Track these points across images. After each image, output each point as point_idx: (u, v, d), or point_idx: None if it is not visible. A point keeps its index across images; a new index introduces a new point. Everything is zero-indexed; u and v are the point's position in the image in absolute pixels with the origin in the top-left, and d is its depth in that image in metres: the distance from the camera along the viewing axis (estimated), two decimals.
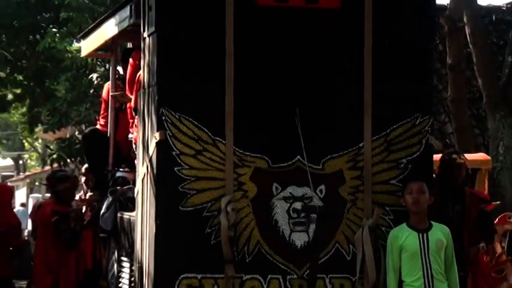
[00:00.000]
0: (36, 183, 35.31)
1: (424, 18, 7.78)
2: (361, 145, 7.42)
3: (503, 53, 15.68)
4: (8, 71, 22.15)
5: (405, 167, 7.48)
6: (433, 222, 7.55)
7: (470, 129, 14.83)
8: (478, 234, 8.59)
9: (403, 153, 7.50)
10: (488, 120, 14.90)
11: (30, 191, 39.17)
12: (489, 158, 13.12)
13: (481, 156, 13.07)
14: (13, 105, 24.74)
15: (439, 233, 7.47)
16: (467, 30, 14.67)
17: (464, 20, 14.59)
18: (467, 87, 14.99)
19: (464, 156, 8.74)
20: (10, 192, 11.51)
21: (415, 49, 7.67)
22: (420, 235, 7.36)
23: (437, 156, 8.63)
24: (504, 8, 18.38)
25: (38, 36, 21.63)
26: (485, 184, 12.53)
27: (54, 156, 22.91)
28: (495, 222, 10.00)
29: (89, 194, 10.44)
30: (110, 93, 10.18)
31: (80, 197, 10.72)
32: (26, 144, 40.42)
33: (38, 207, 10.85)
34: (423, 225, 7.42)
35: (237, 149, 7.24)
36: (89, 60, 17.87)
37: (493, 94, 14.68)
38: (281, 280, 7.24)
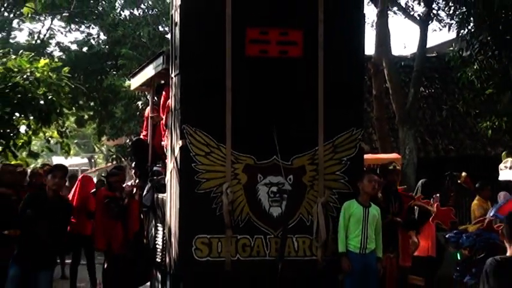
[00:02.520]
0: (102, 175, 35.28)
1: (357, 65, 7.68)
2: (316, 148, 7.29)
3: (408, 87, 15.62)
4: (84, 99, 21.97)
5: (345, 163, 7.37)
6: (371, 203, 7.55)
7: (388, 137, 14.75)
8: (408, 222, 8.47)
9: (344, 154, 7.38)
10: (399, 132, 14.86)
11: (99, 181, 39.11)
12: (400, 156, 13.02)
13: (394, 155, 12.99)
14: (88, 122, 24.52)
15: (375, 210, 7.52)
16: (385, 72, 14.63)
17: (384, 65, 14.55)
18: (385, 110, 14.90)
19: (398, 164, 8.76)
20: (92, 182, 11.57)
21: (352, 85, 7.54)
22: (364, 209, 7.39)
23: (366, 156, 8.51)
24: (409, 57, 18.33)
25: (103, 77, 21.53)
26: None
27: (114, 156, 22.86)
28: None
29: (136, 181, 10.29)
30: (149, 115, 10.05)
31: (131, 184, 10.55)
32: (96, 148, 40.12)
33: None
34: (367, 203, 7.44)
35: (233, 151, 7.11)
36: (136, 92, 17.68)
37: (402, 114, 14.66)
38: (263, 238, 7.11)
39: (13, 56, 10.85)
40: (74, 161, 39.14)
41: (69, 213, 7.95)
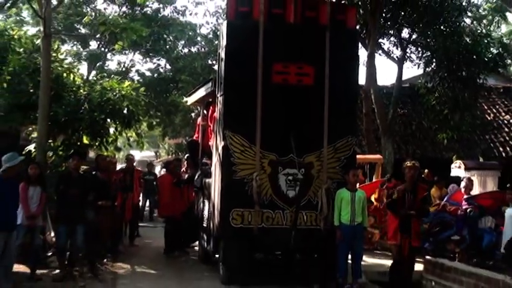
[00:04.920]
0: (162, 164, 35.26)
1: (352, 91, 7.66)
2: (322, 150, 7.26)
3: (389, 108, 15.47)
4: (153, 110, 21.92)
5: (343, 160, 7.34)
6: (357, 188, 7.46)
7: (373, 143, 14.60)
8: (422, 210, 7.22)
9: (342, 154, 7.34)
10: (381, 140, 14.70)
11: (162, 168, 39.12)
12: (381, 157, 12.92)
13: (378, 156, 12.91)
14: (155, 126, 24.57)
15: (361, 193, 7.38)
16: (372, 97, 14.47)
17: (371, 91, 14.40)
18: (372, 124, 14.74)
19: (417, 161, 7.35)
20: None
21: (349, 106, 7.52)
22: (352, 193, 7.25)
23: (358, 156, 8.38)
24: (389, 86, 18.10)
25: (168, 95, 21.58)
26: (379, 171, 12.32)
27: (173, 151, 22.92)
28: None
29: (189, 170, 10.34)
30: (200, 123, 10.04)
31: (183, 171, 10.60)
32: (160, 145, 40.25)
33: (160, 177, 11.16)
34: (354, 188, 7.33)
35: (261, 150, 7.10)
36: (191, 107, 17.75)
37: (384, 127, 14.48)
38: (281, 213, 7.11)
39: (107, 79, 11.02)
40: (145, 154, 39.22)
41: (92, 183, 7.76)
